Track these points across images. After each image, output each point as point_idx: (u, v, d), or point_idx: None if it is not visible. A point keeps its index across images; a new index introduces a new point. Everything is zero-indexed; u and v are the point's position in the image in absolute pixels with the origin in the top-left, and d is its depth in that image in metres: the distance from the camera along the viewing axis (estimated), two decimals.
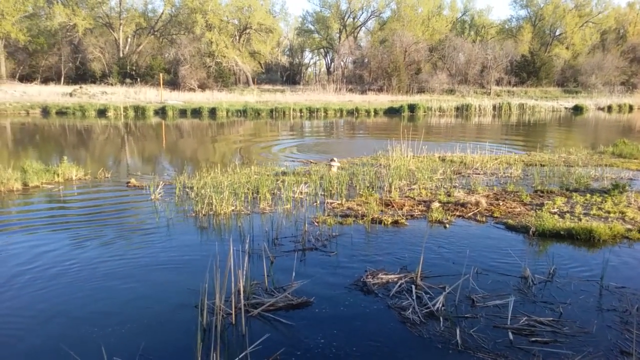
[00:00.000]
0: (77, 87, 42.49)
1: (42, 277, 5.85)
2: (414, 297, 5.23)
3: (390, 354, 4.34)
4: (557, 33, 77.23)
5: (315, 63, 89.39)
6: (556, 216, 8.18)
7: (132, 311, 5.04)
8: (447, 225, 7.90)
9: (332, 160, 13.16)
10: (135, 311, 5.05)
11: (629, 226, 7.66)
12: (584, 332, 4.63)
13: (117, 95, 39.95)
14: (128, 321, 4.82)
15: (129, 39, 60.95)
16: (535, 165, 13.48)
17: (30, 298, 5.32)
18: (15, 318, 4.91)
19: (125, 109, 33.57)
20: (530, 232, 7.43)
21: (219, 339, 4.35)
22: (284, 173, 11.95)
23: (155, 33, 62.44)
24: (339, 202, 9.30)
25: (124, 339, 4.51)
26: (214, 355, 3.88)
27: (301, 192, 9.89)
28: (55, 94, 38.97)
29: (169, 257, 6.57)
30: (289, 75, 73.93)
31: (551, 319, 4.84)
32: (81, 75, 56.00)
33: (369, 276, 5.79)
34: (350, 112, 37.03)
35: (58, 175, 11.38)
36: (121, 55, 57.31)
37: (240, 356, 4.12)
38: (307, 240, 7.12)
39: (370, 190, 10.16)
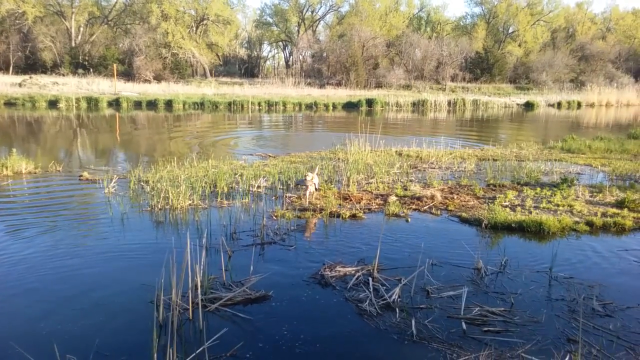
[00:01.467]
0: (26, 77, 40.91)
1: None
2: (371, 289, 5.30)
3: (347, 345, 4.39)
4: (510, 31, 79.21)
5: (274, 56, 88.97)
6: (508, 209, 8.42)
7: (85, 307, 4.92)
8: (408, 219, 8.02)
9: (305, 177, 8.95)
10: (89, 307, 4.93)
11: (577, 219, 7.96)
12: (533, 321, 4.79)
13: (69, 86, 38.68)
14: (81, 318, 4.71)
15: (82, 28, 59.10)
16: (488, 159, 13.81)
17: None
18: None
19: (78, 100, 32.56)
20: (483, 224, 7.62)
21: (176, 335, 4.31)
22: (242, 167, 11.86)
23: (109, 22, 60.78)
24: (298, 195, 9.32)
25: (77, 336, 4.40)
26: (170, 351, 3.83)
27: (259, 186, 9.85)
28: (3, 84, 37.32)
29: (123, 252, 6.43)
30: (248, 68, 73.19)
31: (503, 309, 4.99)
32: (31, 65, 54.00)
33: (327, 269, 5.83)
34: (309, 106, 36.99)
35: (7, 168, 10.96)
36: (73, 44, 55.57)
37: (197, 352, 4.08)
38: (265, 234, 7.11)
39: (329, 184, 10.21)
